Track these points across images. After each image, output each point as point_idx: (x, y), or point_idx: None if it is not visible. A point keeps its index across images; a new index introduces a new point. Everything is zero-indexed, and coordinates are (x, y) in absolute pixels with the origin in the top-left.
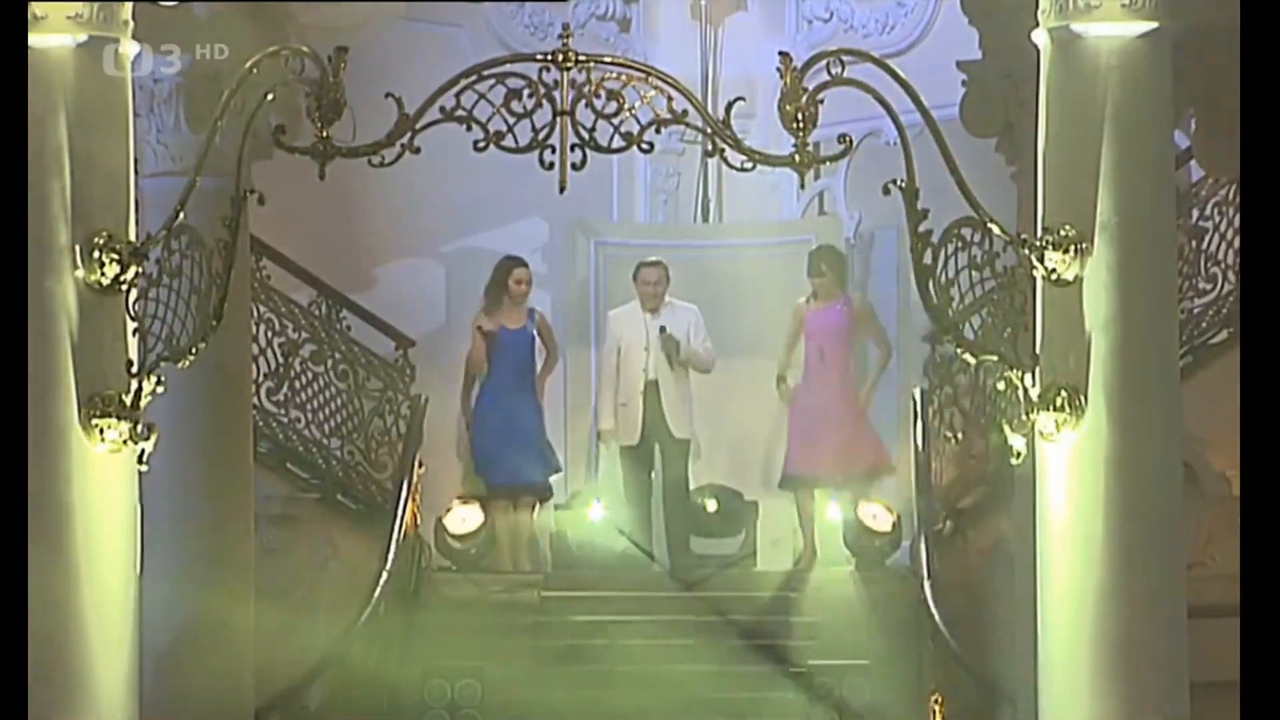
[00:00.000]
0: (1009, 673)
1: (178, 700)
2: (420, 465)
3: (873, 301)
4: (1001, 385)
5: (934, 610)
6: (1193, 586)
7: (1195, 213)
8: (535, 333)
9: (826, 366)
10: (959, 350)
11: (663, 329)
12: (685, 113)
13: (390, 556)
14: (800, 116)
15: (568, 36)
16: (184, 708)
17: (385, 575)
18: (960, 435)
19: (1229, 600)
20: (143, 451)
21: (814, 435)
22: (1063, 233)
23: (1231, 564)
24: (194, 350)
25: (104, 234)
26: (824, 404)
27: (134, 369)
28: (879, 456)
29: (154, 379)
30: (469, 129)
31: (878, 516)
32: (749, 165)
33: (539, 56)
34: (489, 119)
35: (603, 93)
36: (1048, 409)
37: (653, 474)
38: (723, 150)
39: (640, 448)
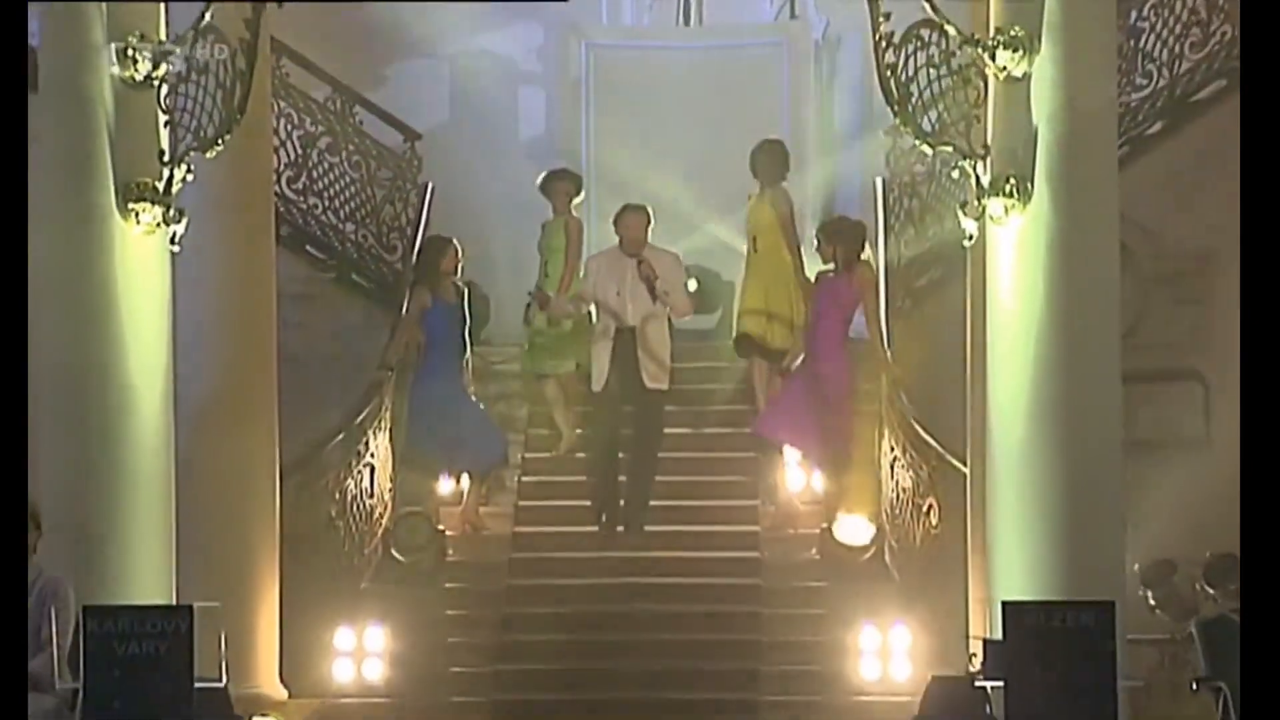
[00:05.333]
0: (958, 435)
1: (207, 459)
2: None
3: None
4: (956, 174)
5: (894, 378)
6: (1127, 355)
7: (1134, 14)
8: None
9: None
10: (917, 141)
11: (640, 259)
12: None
13: (399, 330)
14: None
15: None
16: (214, 466)
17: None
18: (917, 220)
19: (1159, 366)
20: (174, 234)
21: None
22: (1013, 33)
23: (1162, 334)
24: (220, 141)
25: (137, 34)
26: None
27: (166, 158)
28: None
29: (184, 167)
30: None
31: None
32: None
33: None
34: None
35: None
36: (998, 195)
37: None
38: None
39: (605, 395)
